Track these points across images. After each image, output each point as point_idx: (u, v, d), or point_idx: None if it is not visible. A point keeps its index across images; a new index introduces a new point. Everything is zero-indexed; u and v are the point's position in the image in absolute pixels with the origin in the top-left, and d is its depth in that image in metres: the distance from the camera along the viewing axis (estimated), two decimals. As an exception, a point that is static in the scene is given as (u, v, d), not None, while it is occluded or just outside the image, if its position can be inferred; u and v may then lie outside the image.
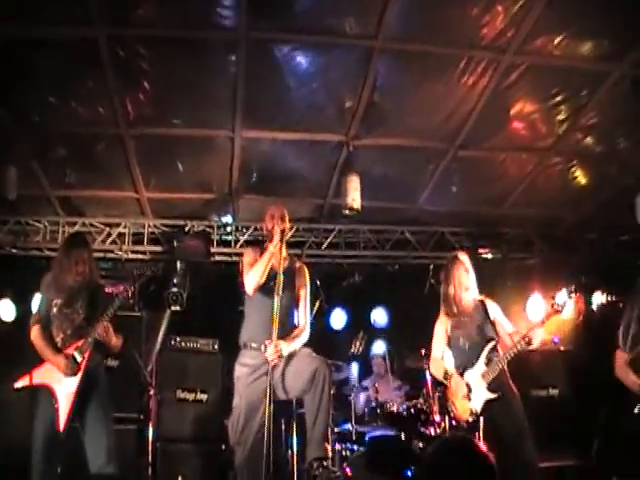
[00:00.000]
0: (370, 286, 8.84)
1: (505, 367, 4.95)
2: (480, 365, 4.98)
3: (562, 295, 4.89)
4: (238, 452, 4.51)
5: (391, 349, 7.84)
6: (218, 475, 6.28)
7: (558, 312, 4.86)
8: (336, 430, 6.25)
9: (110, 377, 4.94)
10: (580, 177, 6.97)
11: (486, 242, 8.12)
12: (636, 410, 4.06)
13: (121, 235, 7.68)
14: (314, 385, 4.46)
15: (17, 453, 4.66)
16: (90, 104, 5.67)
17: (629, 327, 4.22)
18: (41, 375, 4.57)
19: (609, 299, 7.56)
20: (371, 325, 8.95)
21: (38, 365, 4.61)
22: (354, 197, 6.33)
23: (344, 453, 6.17)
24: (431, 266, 7.72)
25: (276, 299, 4.46)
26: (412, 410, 6.10)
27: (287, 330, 4.65)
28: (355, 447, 6.23)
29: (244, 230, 7.84)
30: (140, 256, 7.72)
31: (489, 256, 8.11)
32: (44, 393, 4.51)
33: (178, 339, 6.82)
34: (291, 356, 4.59)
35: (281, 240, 4.66)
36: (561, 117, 5.98)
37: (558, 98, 5.74)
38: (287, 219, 4.77)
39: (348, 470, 5.82)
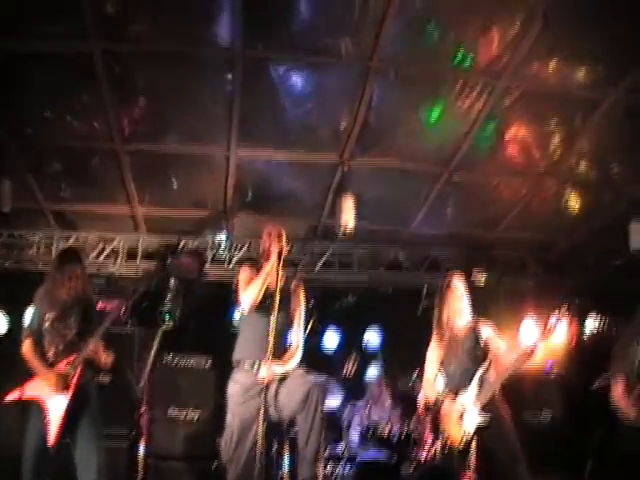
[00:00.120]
0: (363, 307, 8.83)
1: (497, 391, 4.92)
2: (472, 389, 4.94)
3: (555, 318, 4.88)
4: (230, 470, 4.48)
5: (384, 371, 7.81)
6: (209, 493, 6.24)
7: (550, 335, 4.85)
8: (328, 451, 6.22)
9: (102, 394, 4.90)
10: (574, 202, 6.98)
11: (480, 265, 8.12)
12: None
13: (115, 250, 7.64)
14: (307, 405, 4.45)
15: (6, 464, 4.64)
16: (85, 119, 5.67)
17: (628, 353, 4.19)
18: (32, 389, 4.54)
19: (602, 322, 7.56)
20: (364, 346, 8.91)
21: (30, 379, 4.58)
22: (348, 218, 6.33)
23: (335, 474, 6.13)
24: (424, 288, 7.71)
25: (272, 318, 4.46)
26: (404, 433, 6.08)
27: (280, 349, 4.64)
28: (346, 469, 6.20)
29: (238, 248, 7.81)
30: (133, 271, 7.67)
31: (483, 279, 8.10)
32: (35, 407, 4.49)
33: (171, 356, 6.80)
34: (284, 376, 4.58)
35: (278, 259, 4.66)
36: (555, 142, 6.00)
37: (553, 122, 5.76)
38: (284, 238, 4.78)
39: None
